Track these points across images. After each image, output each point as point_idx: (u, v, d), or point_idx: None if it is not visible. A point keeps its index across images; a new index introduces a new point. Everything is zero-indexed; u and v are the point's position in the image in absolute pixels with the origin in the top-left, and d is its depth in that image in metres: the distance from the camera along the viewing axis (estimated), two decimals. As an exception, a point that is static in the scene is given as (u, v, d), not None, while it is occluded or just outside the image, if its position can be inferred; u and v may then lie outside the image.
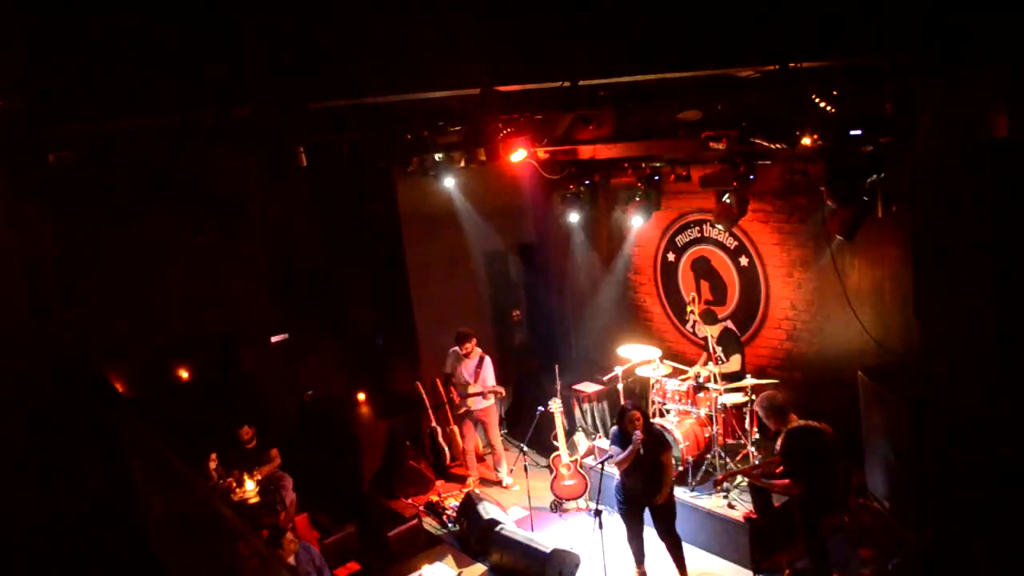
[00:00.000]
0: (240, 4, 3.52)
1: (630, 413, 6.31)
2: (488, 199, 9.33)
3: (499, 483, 8.72)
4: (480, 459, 8.94)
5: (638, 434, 6.23)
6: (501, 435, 9.69)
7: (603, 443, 7.98)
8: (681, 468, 7.34)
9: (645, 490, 6.37)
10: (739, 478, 7.07)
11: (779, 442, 5.99)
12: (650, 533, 6.58)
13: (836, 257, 7.24)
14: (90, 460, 3.93)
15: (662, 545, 6.52)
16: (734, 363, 7.80)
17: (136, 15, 3.26)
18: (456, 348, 8.51)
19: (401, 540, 6.98)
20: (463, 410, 8.55)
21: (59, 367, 4.10)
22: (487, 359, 8.54)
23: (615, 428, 6.54)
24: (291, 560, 6.29)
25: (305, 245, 9.03)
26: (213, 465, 7.62)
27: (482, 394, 8.47)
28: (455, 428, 8.72)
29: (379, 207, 9.10)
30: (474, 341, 8.47)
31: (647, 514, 6.54)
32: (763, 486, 6.23)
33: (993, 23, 5.02)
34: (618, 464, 6.39)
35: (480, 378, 8.48)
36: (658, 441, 6.40)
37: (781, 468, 6.08)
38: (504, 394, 8.60)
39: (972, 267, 5.51)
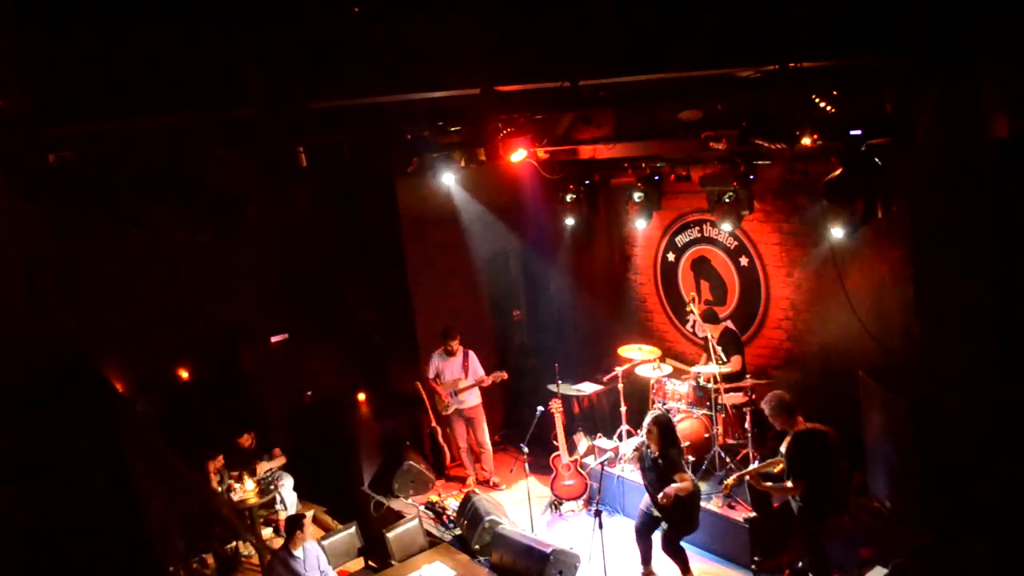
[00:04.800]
0: (240, 4, 3.52)
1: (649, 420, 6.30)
2: (488, 199, 9.32)
3: (487, 482, 8.72)
4: (477, 458, 8.94)
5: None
6: (501, 435, 9.70)
7: (603, 443, 7.98)
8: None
9: (652, 499, 6.36)
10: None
11: (785, 444, 5.97)
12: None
13: (836, 257, 7.24)
14: (90, 460, 3.93)
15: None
16: (734, 363, 7.79)
17: (136, 16, 3.26)
18: (438, 351, 8.55)
19: (401, 540, 6.97)
20: (451, 410, 8.56)
21: (59, 367, 4.09)
22: (471, 352, 8.58)
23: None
24: (298, 552, 6.30)
25: (305, 245, 9.03)
26: (219, 466, 7.65)
27: (478, 385, 8.49)
28: (437, 428, 8.76)
29: (379, 207, 9.09)
30: (459, 337, 8.52)
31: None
32: (765, 490, 6.23)
33: (993, 24, 5.02)
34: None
35: (471, 371, 8.50)
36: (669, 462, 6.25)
37: (781, 468, 6.08)
38: (506, 376, 8.61)
39: (972, 267, 5.52)
